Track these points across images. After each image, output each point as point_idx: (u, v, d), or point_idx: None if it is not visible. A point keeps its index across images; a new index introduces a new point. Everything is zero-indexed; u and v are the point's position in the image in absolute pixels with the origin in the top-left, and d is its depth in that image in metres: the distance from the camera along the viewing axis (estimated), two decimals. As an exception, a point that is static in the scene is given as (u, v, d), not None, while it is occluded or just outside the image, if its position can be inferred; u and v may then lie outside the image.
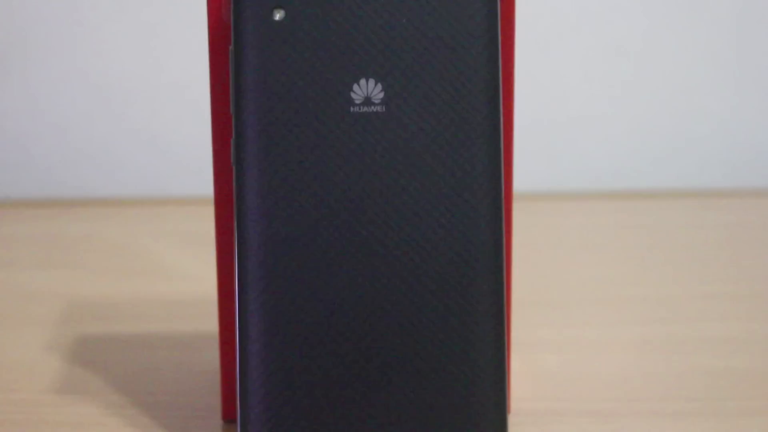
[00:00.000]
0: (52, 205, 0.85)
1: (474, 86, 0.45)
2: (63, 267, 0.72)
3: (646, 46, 0.88)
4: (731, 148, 0.90)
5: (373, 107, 0.45)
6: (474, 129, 0.45)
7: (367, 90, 0.45)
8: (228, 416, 0.51)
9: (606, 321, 0.63)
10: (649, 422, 0.51)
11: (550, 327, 0.62)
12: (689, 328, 0.61)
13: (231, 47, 0.46)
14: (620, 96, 0.89)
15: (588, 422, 0.51)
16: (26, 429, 0.50)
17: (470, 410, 0.46)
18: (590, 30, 0.88)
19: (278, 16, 0.45)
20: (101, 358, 0.57)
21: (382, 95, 0.45)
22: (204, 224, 0.70)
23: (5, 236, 0.79)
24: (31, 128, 0.87)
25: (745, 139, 0.90)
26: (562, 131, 0.89)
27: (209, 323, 0.61)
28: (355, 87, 0.45)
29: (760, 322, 0.62)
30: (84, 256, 0.74)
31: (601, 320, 0.63)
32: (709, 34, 0.88)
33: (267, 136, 0.45)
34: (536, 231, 0.79)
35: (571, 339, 0.60)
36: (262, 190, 0.45)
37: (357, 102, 0.45)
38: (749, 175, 0.90)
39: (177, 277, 0.70)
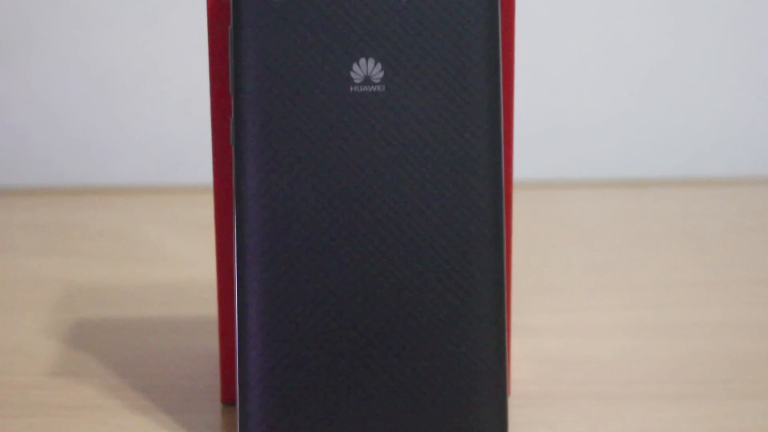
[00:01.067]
0: (51, 194, 0.85)
1: (474, 66, 0.45)
2: (61, 254, 0.72)
3: (645, 35, 0.88)
4: (729, 137, 0.90)
5: (372, 87, 0.45)
6: (474, 109, 0.45)
7: (366, 69, 0.45)
8: (227, 399, 0.50)
9: (606, 306, 0.63)
10: (649, 404, 0.51)
11: (550, 312, 0.62)
12: (689, 312, 0.61)
13: (230, 27, 0.45)
14: (619, 86, 0.89)
15: (588, 404, 0.51)
16: (24, 411, 0.50)
17: (470, 392, 0.45)
18: (590, 18, 0.87)
19: (277, -5, 0.45)
20: (100, 343, 0.57)
21: (381, 75, 0.45)
22: (203, 212, 0.70)
23: (4, 223, 0.79)
24: (30, 117, 0.87)
25: (743, 128, 0.90)
26: (560, 121, 0.89)
27: (208, 308, 0.61)
28: (355, 66, 0.45)
29: (760, 307, 0.62)
30: (82, 243, 0.74)
31: (601, 305, 0.63)
32: (707, 22, 0.88)
33: (266, 115, 0.45)
34: (536, 219, 0.79)
35: (571, 323, 0.60)
36: (262, 169, 0.45)
37: (357, 81, 0.45)
38: (747, 164, 0.90)
39: (176, 264, 0.70)
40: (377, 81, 0.45)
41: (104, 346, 0.57)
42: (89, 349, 0.56)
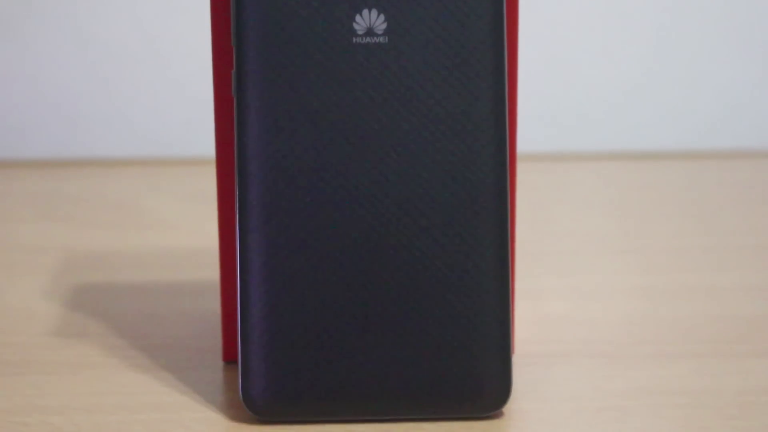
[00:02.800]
0: (51, 166, 0.85)
1: (478, 19, 0.45)
2: (63, 221, 0.72)
3: (650, 8, 0.88)
4: (732, 111, 0.89)
5: (375, 38, 0.45)
6: (479, 61, 0.45)
7: (369, 20, 0.45)
8: (229, 357, 0.50)
9: (611, 270, 0.62)
10: (654, 363, 0.50)
11: (556, 276, 0.61)
12: (694, 277, 0.61)
13: (232, -22, 0.45)
14: (624, 60, 0.88)
15: (592, 363, 0.50)
16: (26, 369, 0.50)
17: (474, 348, 0.45)
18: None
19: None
20: (101, 305, 0.57)
21: (384, 26, 0.45)
22: (205, 182, 0.70)
23: (5, 193, 0.78)
24: (30, 92, 0.87)
25: (746, 102, 0.89)
26: (565, 94, 0.89)
27: (210, 273, 0.60)
28: (358, 18, 0.45)
29: (764, 272, 0.62)
30: (84, 212, 0.74)
31: (606, 270, 0.62)
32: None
33: (268, 66, 0.45)
34: (541, 190, 0.78)
35: (576, 287, 0.60)
36: (263, 121, 0.45)
37: (359, 33, 0.45)
38: (752, 137, 0.90)
39: (178, 231, 0.70)
40: (380, 32, 0.45)
41: (105, 308, 0.56)
42: (90, 311, 0.56)
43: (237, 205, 0.45)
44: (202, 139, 0.81)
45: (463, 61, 0.45)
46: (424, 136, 0.45)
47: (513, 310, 0.49)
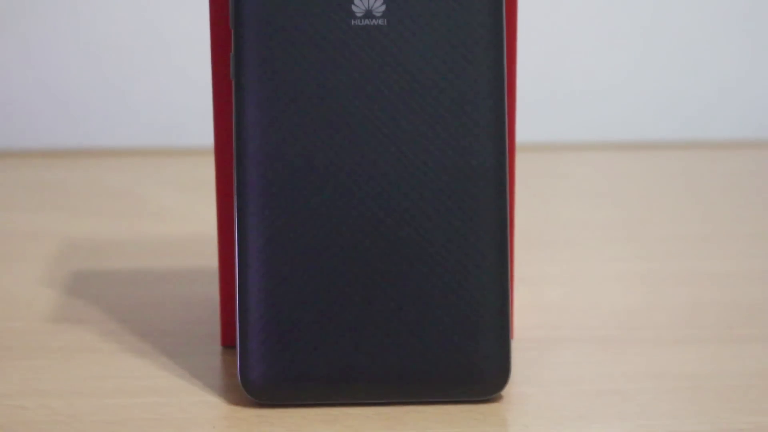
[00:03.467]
0: (50, 156, 0.85)
1: (477, 1, 0.45)
2: (61, 210, 0.71)
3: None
4: (726, 100, 0.89)
5: (374, 20, 0.45)
6: (477, 43, 0.45)
7: (368, 3, 0.45)
8: (227, 342, 0.50)
9: (610, 257, 0.62)
10: (653, 348, 0.50)
11: (555, 264, 0.61)
12: (693, 263, 0.61)
13: (230, -39, 0.45)
14: (621, 49, 0.88)
15: (592, 348, 0.50)
16: (24, 354, 0.50)
17: (473, 331, 0.45)
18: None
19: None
20: (98, 292, 0.57)
21: (383, 8, 0.45)
22: (203, 173, 0.70)
23: (3, 182, 0.78)
24: (29, 82, 0.87)
25: (740, 91, 0.89)
26: (565, 84, 0.89)
27: (208, 260, 0.60)
28: (356, 0, 0.44)
29: (762, 259, 0.62)
30: (82, 200, 0.74)
31: (605, 257, 0.62)
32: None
33: (266, 48, 0.44)
34: (538, 179, 0.78)
35: (575, 274, 0.59)
36: (262, 102, 0.44)
37: (358, 15, 0.45)
38: (749, 127, 0.90)
39: (176, 220, 0.70)
40: (379, 14, 0.45)
41: (103, 294, 0.56)
42: (88, 297, 0.56)
43: (235, 188, 0.45)
44: (201, 128, 0.80)
45: (461, 43, 0.45)
46: (423, 119, 0.45)
47: (512, 296, 0.48)
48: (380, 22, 0.45)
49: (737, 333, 0.52)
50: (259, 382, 0.45)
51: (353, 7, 0.45)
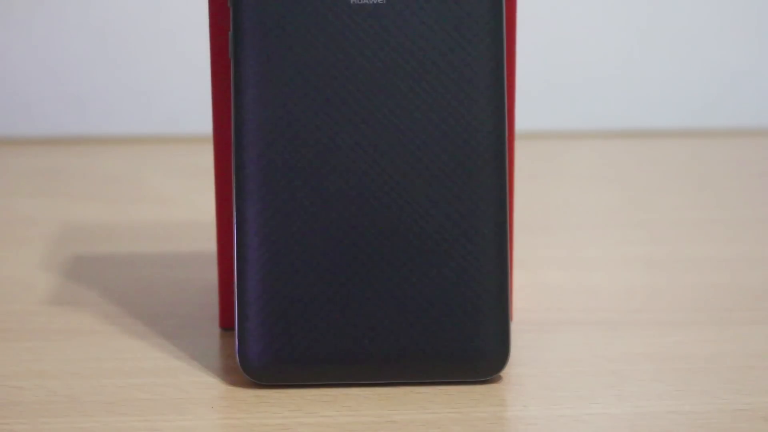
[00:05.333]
0: (51, 143, 0.85)
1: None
2: (61, 195, 0.71)
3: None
4: (730, 89, 0.89)
5: None
6: (477, 22, 0.45)
7: (367, -18, 0.44)
8: (226, 324, 0.50)
9: (610, 242, 0.62)
10: (652, 329, 0.50)
11: (555, 248, 0.61)
12: (693, 248, 0.61)
13: (228, -60, 0.45)
14: (622, 38, 0.88)
15: (591, 330, 0.50)
16: (23, 336, 0.50)
17: (473, 311, 0.45)
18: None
19: None
20: (97, 275, 0.56)
21: (382, -12, 0.44)
22: (203, 159, 0.70)
23: (4, 170, 0.78)
24: (31, 69, 0.86)
25: (744, 80, 0.89)
26: (565, 74, 0.88)
27: (207, 244, 0.60)
28: (355, -21, 0.44)
29: (762, 243, 0.62)
30: (82, 187, 0.74)
31: (605, 241, 0.62)
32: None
33: (265, 27, 0.44)
34: (540, 167, 0.78)
35: (575, 258, 0.59)
36: (260, 82, 0.44)
37: (357, -6, 0.44)
38: (750, 116, 0.89)
39: (175, 205, 0.70)
40: (378, -6, 0.44)
41: (102, 278, 0.56)
42: (87, 281, 0.56)
43: (233, 167, 0.45)
44: (201, 117, 0.80)
45: (461, 22, 0.45)
46: (422, 98, 0.45)
47: (511, 278, 0.48)
48: (379, 0, 0.44)
49: (738, 316, 0.52)
50: (258, 363, 0.45)
51: (352, -13, 0.44)
